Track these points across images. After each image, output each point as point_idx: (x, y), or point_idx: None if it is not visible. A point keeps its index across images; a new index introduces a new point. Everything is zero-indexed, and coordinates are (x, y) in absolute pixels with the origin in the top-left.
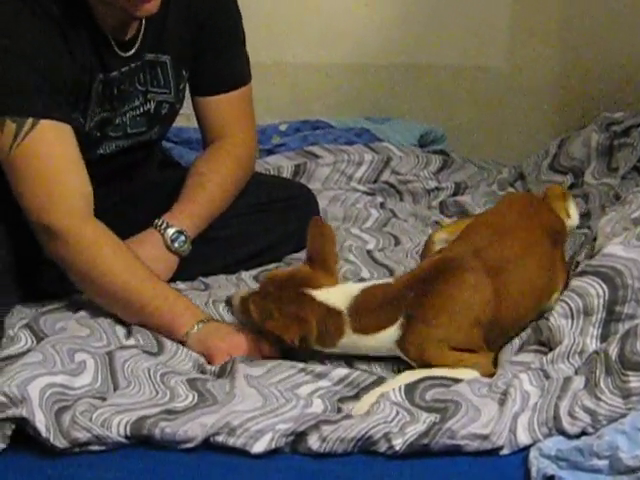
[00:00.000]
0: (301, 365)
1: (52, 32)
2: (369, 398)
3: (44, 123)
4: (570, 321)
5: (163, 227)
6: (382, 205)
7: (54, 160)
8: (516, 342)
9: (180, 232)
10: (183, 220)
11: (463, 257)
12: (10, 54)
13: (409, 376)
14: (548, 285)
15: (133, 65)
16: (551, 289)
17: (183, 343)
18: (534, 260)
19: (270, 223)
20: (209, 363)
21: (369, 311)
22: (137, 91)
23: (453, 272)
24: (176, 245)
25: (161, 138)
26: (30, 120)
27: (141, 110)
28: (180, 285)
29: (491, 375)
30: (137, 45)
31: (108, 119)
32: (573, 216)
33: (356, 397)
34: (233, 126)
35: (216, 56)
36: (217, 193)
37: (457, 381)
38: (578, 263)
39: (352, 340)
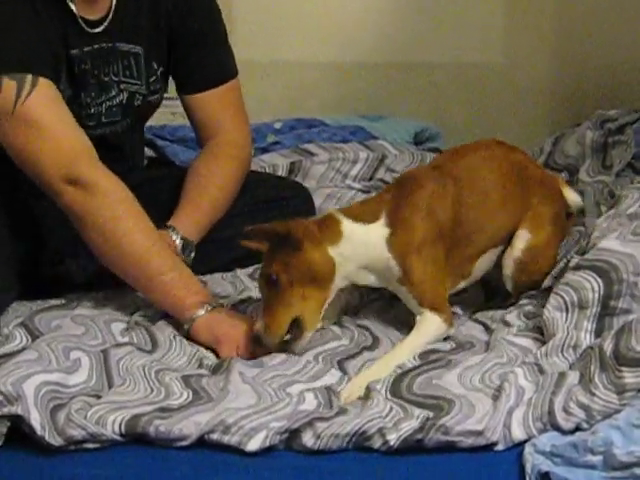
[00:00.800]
0: (296, 368)
1: (24, 6)
2: (359, 381)
3: (42, 80)
4: (564, 314)
5: (173, 234)
6: None
7: (62, 113)
8: (511, 328)
9: (187, 242)
10: (190, 228)
11: (421, 170)
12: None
13: (388, 361)
14: (509, 208)
15: (97, 46)
16: (513, 216)
17: (183, 326)
18: (492, 178)
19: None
20: (215, 351)
21: (358, 206)
22: (112, 81)
23: (414, 182)
24: (184, 256)
25: (137, 129)
26: (30, 76)
27: (116, 100)
28: None
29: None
30: (105, 25)
31: (72, 98)
32: (572, 196)
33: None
34: (225, 122)
35: (198, 52)
36: (219, 197)
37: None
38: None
39: (353, 231)
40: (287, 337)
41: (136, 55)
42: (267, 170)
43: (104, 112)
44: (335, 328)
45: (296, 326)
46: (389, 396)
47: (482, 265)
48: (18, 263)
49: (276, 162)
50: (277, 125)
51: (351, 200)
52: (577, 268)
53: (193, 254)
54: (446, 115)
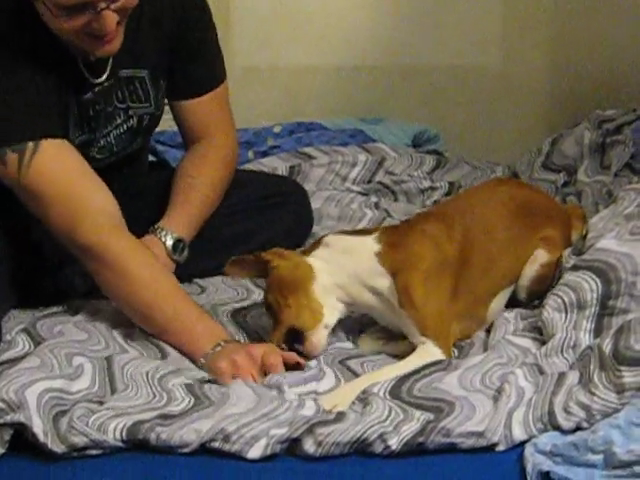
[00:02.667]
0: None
1: (26, 59)
2: (342, 391)
3: (44, 143)
4: (563, 314)
5: (163, 234)
6: (376, 205)
7: (67, 176)
8: (510, 327)
9: (179, 240)
10: (181, 227)
11: (426, 212)
12: None
13: (374, 377)
14: (517, 248)
15: (106, 84)
16: (522, 255)
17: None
18: (498, 219)
19: (265, 221)
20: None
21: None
22: (117, 109)
23: (418, 218)
24: (176, 255)
25: (145, 145)
26: (30, 144)
27: (124, 127)
28: None
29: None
30: (109, 66)
31: (88, 141)
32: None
33: None
34: (213, 126)
35: (192, 60)
36: (209, 195)
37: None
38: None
39: (332, 239)
40: (297, 346)
41: (141, 79)
42: None
43: (114, 141)
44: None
45: (298, 334)
46: (389, 398)
47: (495, 309)
48: (18, 272)
49: (275, 165)
50: (276, 129)
51: (350, 202)
52: (575, 268)
53: (186, 252)
54: (444, 118)
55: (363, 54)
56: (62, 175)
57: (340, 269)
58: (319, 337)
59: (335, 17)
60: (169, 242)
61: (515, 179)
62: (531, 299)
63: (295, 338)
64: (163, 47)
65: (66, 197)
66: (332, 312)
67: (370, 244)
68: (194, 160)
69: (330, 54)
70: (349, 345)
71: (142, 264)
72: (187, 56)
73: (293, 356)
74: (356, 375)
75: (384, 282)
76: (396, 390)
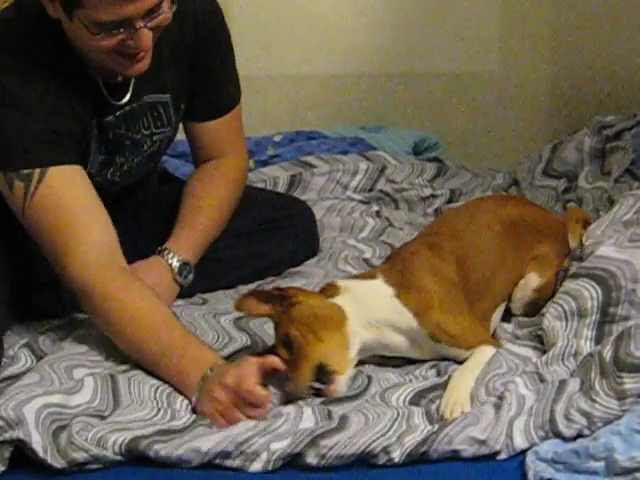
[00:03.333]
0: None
1: (44, 81)
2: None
3: (52, 171)
4: (564, 323)
5: (170, 256)
6: (378, 214)
7: (67, 209)
8: (509, 337)
9: (185, 264)
10: (187, 250)
11: (414, 240)
12: (4, 107)
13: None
14: (511, 263)
15: (128, 108)
16: (517, 269)
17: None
18: (489, 238)
19: (271, 244)
20: None
21: (356, 276)
22: (144, 136)
23: (407, 249)
24: (182, 279)
25: (157, 165)
26: (37, 172)
27: (148, 152)
28: (178, 301)
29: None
30: (131, 89)
31: (107, 163)
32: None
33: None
34: (226, 147)
35: (211, 84)
36: (216, 218)
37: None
38: (567, 269)
39: (348, 284)
40: (318, 385)
41: (164, 104)
42: (268, 183)
43: (135, 166)
44: None
45: (324, 373)
46: (407, 405)
47: (495, 322)
48: (19, 286)
49: (276, 175)
50: (277, 138)
51: (351, 212)
52: (575, 276)
53: (192, 275)
54: (445, 125)
55: (363, 62)
56: (63, 208)
57: (368, 312)
58: (347, 380)
59: (335, 25)
60: (175, 264)
61: (501, 194)
62: (526, 316)
63: (319, 377)
64: (184, 70)
65: (59, 232)
66: (356, 357)
67: (384, 288)
68: (203, 179)
69: (330, 62)
70: None
71: (129, 302)
72: (207, 77)
73: (274, 361)
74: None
75: (409, 322)
76: (416, 399)
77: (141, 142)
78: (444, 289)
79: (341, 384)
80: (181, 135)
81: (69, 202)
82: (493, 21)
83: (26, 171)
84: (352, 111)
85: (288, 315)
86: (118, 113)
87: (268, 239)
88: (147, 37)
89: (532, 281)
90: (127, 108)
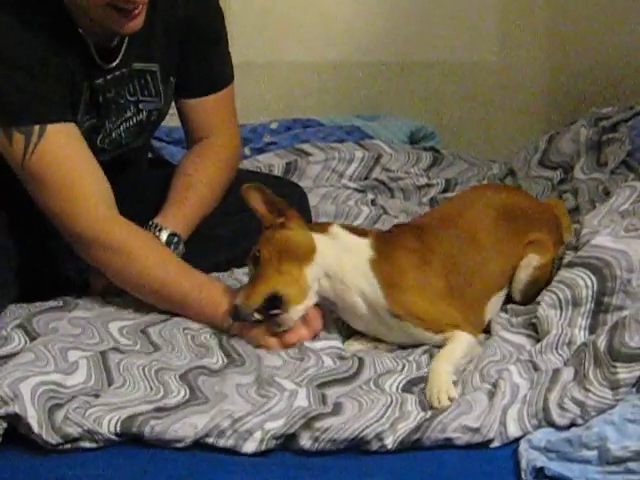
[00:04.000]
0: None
1: (40, 40)
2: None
3: (51, 128)
4: (559, 312)
5: (157, 230)
6: (373, 202)
7: (69, 164)
8: (504, 324)
9: (173, 235)
10: (176, 223)
11: (410, 223)
12: (4, 65)
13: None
14: (505, 252)
15: (118, 73)
16: (511, 258)
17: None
18: (482, 226)
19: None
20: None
21: (347, 226)
22: (128, 102)
23: (400, 232)
24: (171, 248)
25: (147, 143)
26: (37, 127)
27: (134, 121)
28: None
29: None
30: (121, 54)
31: (96, 128)
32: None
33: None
34: (218, 126)
35: (202, 59)
36: (206, 194)
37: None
38: (562, 258)
39: (338, 232)
40: (276, 312)
41: (152, 73)
42: (263, 170)
43: (123, 134)
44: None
45: (280, 302)
46: (400, 392)
47: (491, 312)
48: (17, 265)
49: (272, 162)
50: (273, 125)
51: (347, 200)
52: (570, 265)
53: (182, 247)
54: (441, 114)
55: (360, 50)
56: (65, 162)
57: (337, 263)
58: (298, 314)
59: (331, 13)
60: (163, 236)
61: (496, 183)
62: (526, 301)
63: (270, 305)
64: (174, 42)
65: (67, 185)
66: (312, 298)
67: (365, 249)
68: (194, 159)
69: (327, 50)
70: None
71: (149, 247)
72: (198, 53)
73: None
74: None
75: (373, 289)
76: (408, 386)
77: (124, 107)
78: (420, 272)
79: (292, 314)
80: (176, 121)
81: (71, 157)
82: (491, 11)
83: (27, 127)
84: (348, 99)
85: (271, 234)
86: (109, 77)
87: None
88: None
89: (533, 261)
90: (117, 73)
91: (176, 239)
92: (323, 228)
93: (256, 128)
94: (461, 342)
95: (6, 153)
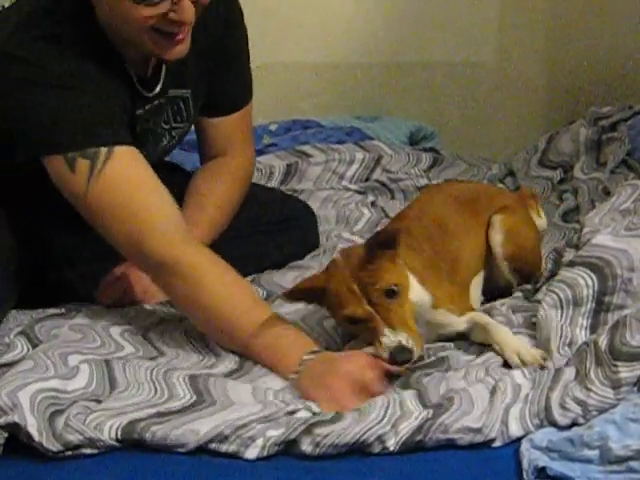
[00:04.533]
0: None
1: (96, 68)
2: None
3: (118, 149)
4: (559, 312)
5: None
6: (373, 204)
7: (138, 186)
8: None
9: None
10: None
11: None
12: (65, 89)
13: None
14: (474, 233)
15: (156, 102)
16: (481, 238)
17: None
18: (450, 212)
19: (272, 244)
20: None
21: None
22: (163, 130)
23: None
24: None
25: None
26: (104, 150)
27: (168, 146)
28: None
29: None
30: (160, 83)
31: None
32: (543, 217)
33: None
34: (234, 145)
35: (227, 80)
36: (217, 217)
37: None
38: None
39: None
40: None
41: (185, 99)
42: (263, 172)
43: (154, 160)
44: None
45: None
46: (398, 390)
47: (475, 299)
48: (23, 270)
49: (273, 164)
50: (273, 127)
51: (347, 203)
52: (571, 265)
53: None
54: (441, 114)
55: (359, 51)
56: (134, 183)
57: None
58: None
59: (330, 14)
60: None
61: (452, 180)
62: (520, 277)
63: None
64: (205, 65)
65: (133, 208)
66: None
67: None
68: (208, 177)
69: (326, 51)
70: None
71: (218, 276)
72: (226, 73)
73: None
74: None
75: (422, 296)
76: (405, 380)
77: (161, 136)
78: (433, 269)
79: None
80: None
81: (139, 177)
82: (490, 11)
83: (92, 149)
84: (348, 100)
85: (389, 262)
86: (148, 107)
87: (270, 240)
88: (189, 8)
89: (497, 220)
90: (155, 102)
91: None
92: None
93: (255, 130)
94: (482, 315)
95: (64, 182)
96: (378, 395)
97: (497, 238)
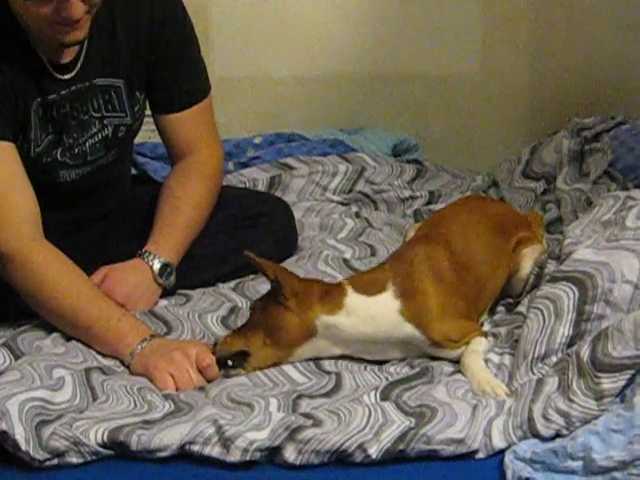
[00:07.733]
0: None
1: None
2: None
3: None
4: (542, 324)
5: (150, 258)
6: (357, 214)
7: (2, 180)
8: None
9: (166, 265)
10: (168, 251)
11: (411, 241)
12: None
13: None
14: (499, 258)
15: (74, 88)
16: (500, 266)
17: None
18: (478, 235)
19: (248, 241)
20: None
21: (363, 276)
22: (92, 118)
23: (407, 251)
24: (164, 280)
25: (124, 157)
26: None
27: (99, 137)
28: (162, 301)
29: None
30: (77, 68)
31: (55, 142)
32: (544, 243)
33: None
34: (199, 140)
35: (173, 72)
36: (194, 217)
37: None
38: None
39: (355, 303)
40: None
41: (116, 88)
42: (247, 185)
43: (88, 150)
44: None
45: (242, 357)
46: (378, 401)
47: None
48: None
49: (256, 177)
50: (256, 140)
51: (331, 213)
52: (554, 280)
53: (173, 277)
54: (424, 126)
55: (342, 63)
56: None
57: (363, 333)
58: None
59: (314, 26)
60: (156, 266)
61: (478, 195)
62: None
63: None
64: (139, 56)
65: None
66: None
67: (390, 304)
68: (179, 178)
69: (309, 64)
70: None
71: (61, 272)
72: (167, 66)
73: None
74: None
75: (411, 333)
76: (386, 392)
77: (89, 123)
78: (445, 295)
79: (240, 372)
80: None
81: (4, 174)
82: (474, 23)
83: None
84: (332, 113)
85: (268, 306)
86: (63, 92)
87: (246, 236)
88: (77, 6)
89: (528, 256)
90: (73, 88)
91: (169, 269)
92: (335, 303)
93: (239, 143)
94: (481, 343)
95: None
96: (211, 375)
97: (527, 272)
